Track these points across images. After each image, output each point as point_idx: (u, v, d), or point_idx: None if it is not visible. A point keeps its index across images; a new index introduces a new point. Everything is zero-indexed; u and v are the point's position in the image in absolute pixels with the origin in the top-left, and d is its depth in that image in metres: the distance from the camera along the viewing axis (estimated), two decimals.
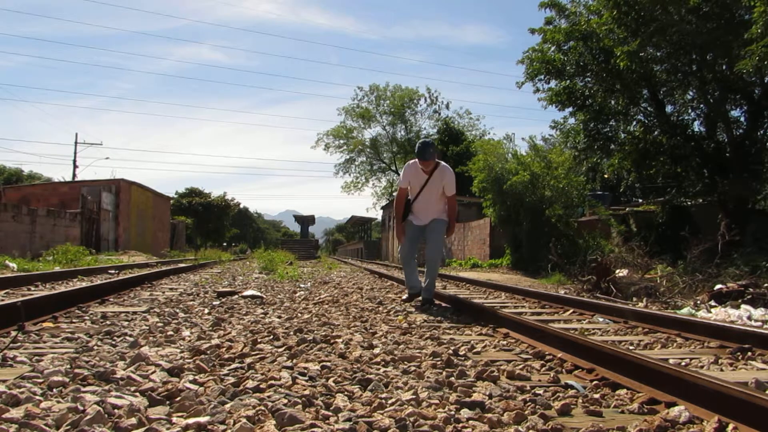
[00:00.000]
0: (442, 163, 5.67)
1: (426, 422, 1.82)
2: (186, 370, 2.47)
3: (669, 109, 14.89)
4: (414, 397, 2.10)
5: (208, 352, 2.89)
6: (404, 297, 5.91)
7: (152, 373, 2.38)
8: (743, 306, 5.53)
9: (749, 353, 3.18)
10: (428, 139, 6.08)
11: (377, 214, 52.25)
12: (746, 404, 1.76)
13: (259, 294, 6.34)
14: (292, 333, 3.60)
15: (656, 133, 14.37)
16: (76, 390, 2.06)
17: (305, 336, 3.40)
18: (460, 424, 1.83)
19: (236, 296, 6.27)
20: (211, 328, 3.84)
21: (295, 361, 2.73)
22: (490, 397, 2.18)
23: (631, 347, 3.48)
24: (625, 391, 2.27)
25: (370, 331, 3.85)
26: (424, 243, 5.95)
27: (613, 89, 14.03)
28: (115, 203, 28.60)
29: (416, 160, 5.63)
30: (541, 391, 2.27)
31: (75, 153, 37.76)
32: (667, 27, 12.00)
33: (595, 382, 2.46)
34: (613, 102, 14.58)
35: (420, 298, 5.67)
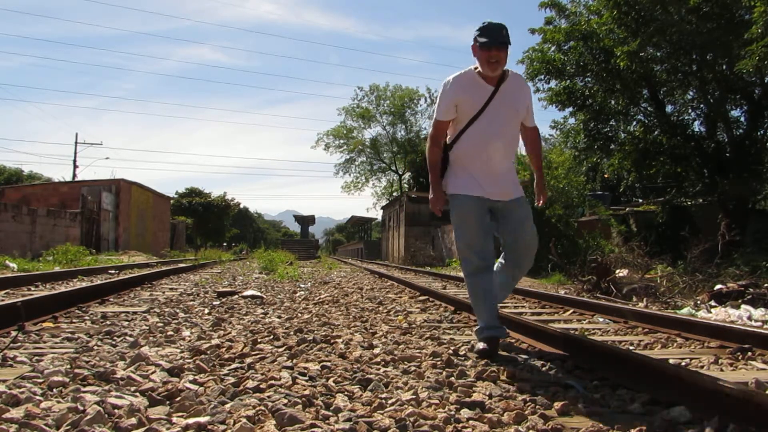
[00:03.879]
0: (513, 71, 3.13)
1: (426, 422, 1.82)
2: (186, 370, 2.47)
3: (669, 109, 14.91)
4: (414, 397, 2.10)
5: (208, 352, 2.89)
6: (479, 346, 3.03)
7: (152, 373, 2.38)
8: (743, 306, 5.53)
9: (749, 353, 3.18)
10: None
11: (377, 214, 52.31)
12: (746, 404, 1.76)
13: (259, 294, 6.34)
14: (292, 333, 3.60)
15: (656, 133, 14.38)
16: (76, 390, 2.06)
17: (305, 336, 3.40)
18: (460, 424, 1.82)
19: (236, 296, 6.27)
20: (211, 328, 3.84)
21: (295, 361, 2.73)
22: (490, 397, 2.18)
23: (631, 347, 3.48)
24: (625, 391, 2.27)
25: (370, 331, 3.85)
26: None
27: (613, 89, 14.05)
28: (115, 203, 28.60)
29: (467, 69, 3.11)
30: (541, 391, 2.27)
31: (75, 153, 37.78)
32: (667, 27, 12.01)
33: (595, 382, 2.46)
34: (613, 102, 14.59)
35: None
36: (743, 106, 14.04)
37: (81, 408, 1.84)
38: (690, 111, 15.17)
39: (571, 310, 5.32)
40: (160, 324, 3.99)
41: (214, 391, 2.12)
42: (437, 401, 2.07)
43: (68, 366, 2.49)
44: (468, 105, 3.06)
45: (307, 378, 2.40)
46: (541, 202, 3.41)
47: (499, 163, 3.10)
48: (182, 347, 3.06)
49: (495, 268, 3.21)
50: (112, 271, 10.97)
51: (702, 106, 14.32)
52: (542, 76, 14.47)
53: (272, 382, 2.27)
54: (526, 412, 1.96)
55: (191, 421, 1.76)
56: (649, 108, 14.68)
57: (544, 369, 2.74)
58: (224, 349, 2.98)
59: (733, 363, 3.02)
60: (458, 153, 3.11)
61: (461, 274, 14.70)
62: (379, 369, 2.61)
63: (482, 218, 3.08)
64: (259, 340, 3.28)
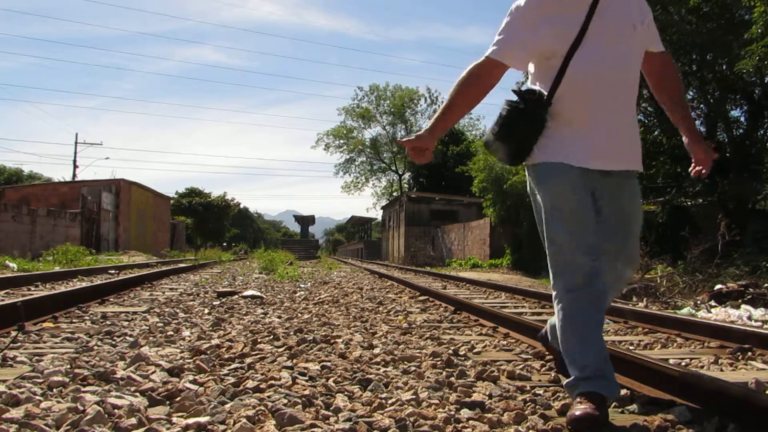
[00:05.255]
0: None
1: (426, 422, 1.82)
2: (186, 370, 2.47)
3: None
4: (414, 397, 2.10)
5: (208, 352, 2.89)
6: (576, 411, 1.79)
7: (152, 373, 2.38)
8: (743, 306, 5.53)
9: (749, 353, 3.18)
10: None
11: (377, 214, 52.33)
12: (746, 404, 1.76)
13: (259, 294, 6.34)
14: (292, 333, 3.60)
15: (656, 133, 14.38)
16: (76, 390, 2.06)
17: (305, 336, 3.40)
18: (460, 424, 1.82)
19: (236, 296, 6.27)
20: (211, 328, 3.84)
21: (295, 361, 2.73)
22: (490, 397, 2.18)
23: (631, 347, 3.48)
24: (625, 391, 2.27)
25: (370, 331, 3.86)
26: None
27: None
28: (115, 203, 28.60)
29: None
30: (541, 391, 2.27)
31: (75, 153, 37.75)
32: (667, 27, 12.00)
33: None
34: None
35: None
36: (743, 106, 14.04)
37: (81, 408, 1.84)
38: (690, 111, 15.18)
39: None
40: (160, 324, 3.99)
41: (214, 391, 2.12)
42: (437, 401, 2.07)
43: (68, 366, 2.49)
44: (559, 30, 1.98)
45: (307, 378, 2.40)
46: (698, 170, 2.20)
47: (619, 111, 2.03)
48: (182, 347, 3.06)
49: None
50: (112, 271, 10.97)
51: (702, 106, 14.32)
52: None
53: (272, 382, 2.27)
54: (526, 412, 1.96)
55: (191, 421, 1.76)
56: (649, 108, 14.67)
57: (543, 369, 2.75)
58: (224, 349, 2.98)
59: (733, 363, 3.02)
60: (561, 105, 2.00)
61: (462, 275, 14.53)
62: (379, 369, 2.61)
63: (588, 199, 2.01)
64: (259, 340, 3.28)
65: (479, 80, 2.06)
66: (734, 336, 3.47)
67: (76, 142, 37.99)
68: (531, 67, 2.11)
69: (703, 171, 2.20)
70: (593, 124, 2.00)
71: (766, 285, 6.61)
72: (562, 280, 1.98)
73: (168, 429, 1.72)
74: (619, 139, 2.03)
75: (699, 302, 6.24)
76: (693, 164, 2.21)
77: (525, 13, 2.01)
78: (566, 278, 1.97)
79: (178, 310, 4.82)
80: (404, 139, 2.11)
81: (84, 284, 7.03)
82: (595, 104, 1.99)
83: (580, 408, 1.79)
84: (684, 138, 2.22)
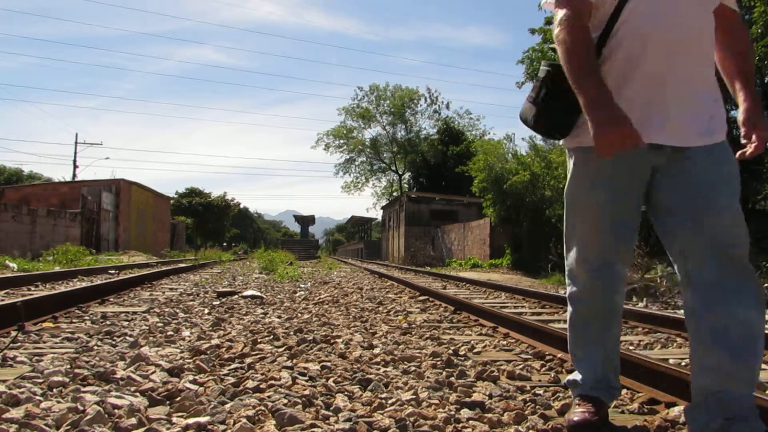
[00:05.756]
0: None
1: (426, 422, 1.82)
2: (186, 370, 2.47)
3: None
4: (414, 397, 2.10)
5: (208, 352, 2.89)
6: (573, 416, 1.76)
7: (152, 373, 2.38)
8: None
9: None
10: None
11: (377, 214, 52.34)
12: None
13: (259, 294, 6.34)
14: (292, 333, 3.60)
15: None
16: (76, 390, 2.06)
17: (305, 336, 3.40)
18: (460, 424, 1.82)
19: (236, 296, 6.27)
20: (211, 328, 3.84)
21: (295, 361, 2.73)
22: (490, 397, 2.18)
23: (631, 347, 3.48)
24: (625, 391, 2.27)
25: (370, 331, 3.86)
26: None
27: None
28: (115, 203, 28.60)
29: None
30: (541, 391, 2.27)
31: (75, 153, 37.75)
32: None
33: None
34: None
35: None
36: None
37: (81, 408, 1.84)
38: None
39: None
40: (160, 324, 3.99)
41: (214, 391, 2.12)
42: (437, 401, 2.07)
43: (68, 366, 2.49)
44: None
45: (307, 378, 2.40)
46: (752, 150, 1.67)
47: (687, 72, 1.62)
48: (182, 347, 3.06)
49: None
50: (112, 271, 10.97)
51: None
52: None
53: (272, 382, 2.27)
54: (526, 412, 1.96)
55: (191, 421, 1.76)
56: None
57: (543, 369, 2.75)
58: (224, 349, 2.98)
59: None
60: (610, 64, 1.67)
61: (461, 275, 14.63)
62: (379, 369, 2.61)
63: (625, 192, 1.71)
64: (259, 340, 3.28)
65: (581, 23, 1.64)
66: None
67: (76, 142, 38.00)
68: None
69: (749, 152, 1.68)
70: (647, 89, 1.61)
71: (766, 285, 6.61)
72: (571, 285, 1.88)
73: (168, 429, 1.72)
74: (680, 106, 1.61)
75: None
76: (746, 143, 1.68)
77: None
78: (574, 285, 1.86)
79: (178, 310, 4.82)
80: (601, 132, 1.49)
81: (84, 284, 7.03)
82: (654, 64, 1.60)
83: (578, 412, 1.78)
84: (741, 113, 1.69)
